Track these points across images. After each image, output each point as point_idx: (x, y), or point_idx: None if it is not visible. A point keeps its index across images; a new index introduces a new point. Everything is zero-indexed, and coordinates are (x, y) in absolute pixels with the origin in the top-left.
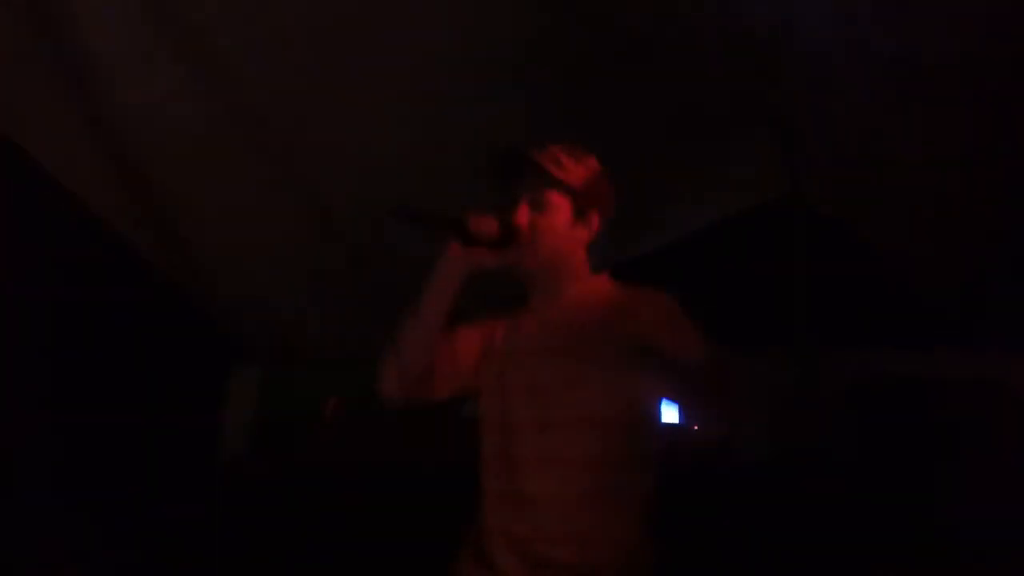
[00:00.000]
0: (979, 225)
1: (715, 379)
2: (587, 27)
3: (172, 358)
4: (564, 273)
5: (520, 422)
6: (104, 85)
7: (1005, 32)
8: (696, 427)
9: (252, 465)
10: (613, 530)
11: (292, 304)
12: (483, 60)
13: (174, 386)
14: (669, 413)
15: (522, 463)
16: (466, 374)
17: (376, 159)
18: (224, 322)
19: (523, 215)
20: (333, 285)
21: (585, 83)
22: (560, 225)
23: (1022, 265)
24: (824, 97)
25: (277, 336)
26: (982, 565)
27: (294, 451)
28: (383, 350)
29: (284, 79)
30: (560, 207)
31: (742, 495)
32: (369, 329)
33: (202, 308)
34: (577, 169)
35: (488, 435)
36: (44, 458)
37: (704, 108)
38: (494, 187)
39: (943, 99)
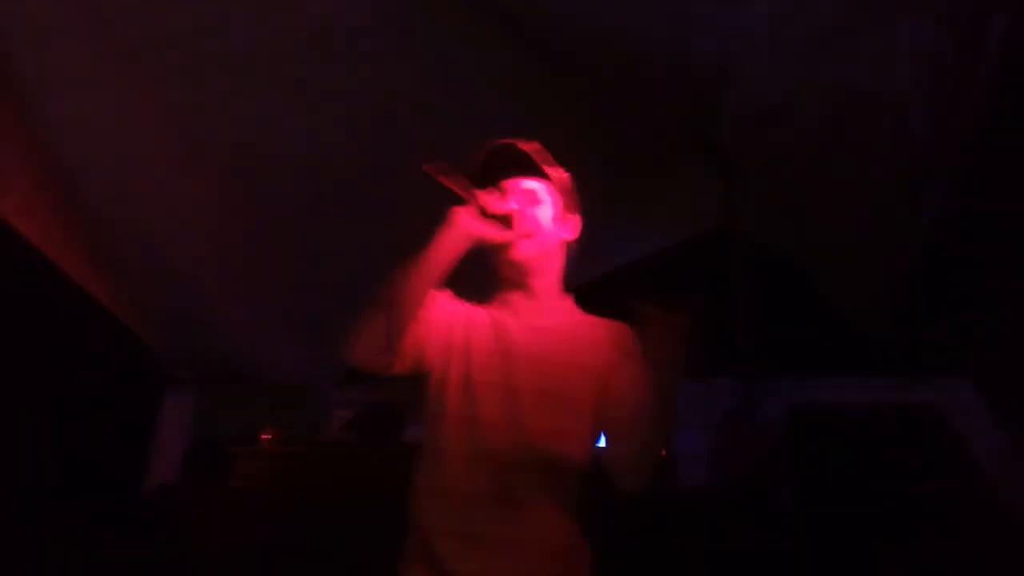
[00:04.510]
0: (916, 254)
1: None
2: (528, 53)
3: (103, 382)
4: (545, 274)
5: (497, 420)
6: (33, 103)
7: (944, 65)
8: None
9: (183, 491)
10: (563, 533)
11: (227, 329)
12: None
13: (105, 410)
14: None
15: (502, 460)
16: (429, 347)
17: (319, 177)
18: (158, 346)
19: (518, 204)
20: (270, 311)
21: (526, 110)
22: (549, 220)
23: (956, 294)
24: (763, 128)
25: (212, 361)
26: None
27: (227, 478)
28: (356, 313)
29: (224, 98)
30: (548, 203)
31: (682, 520)
32: (306, 356)
33: (135, 331)
34: (557, 171)
35: (455, 429)
36: None
37: (644, 138)
38: (482, 180)
39: (878, 130)
